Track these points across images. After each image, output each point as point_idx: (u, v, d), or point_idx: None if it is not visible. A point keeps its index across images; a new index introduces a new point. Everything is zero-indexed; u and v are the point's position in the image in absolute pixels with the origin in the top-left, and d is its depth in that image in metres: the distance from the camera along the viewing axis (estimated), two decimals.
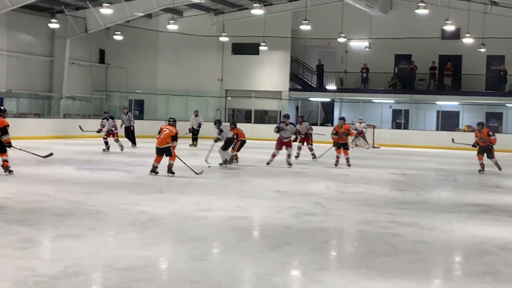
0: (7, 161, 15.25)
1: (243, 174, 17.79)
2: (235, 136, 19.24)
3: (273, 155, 19.94)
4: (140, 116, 40.43)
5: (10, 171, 15.18)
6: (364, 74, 40.36)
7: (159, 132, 16.45)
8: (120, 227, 9.70)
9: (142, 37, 40.57)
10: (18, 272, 6.86)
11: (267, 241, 9.12)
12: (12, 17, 34.11)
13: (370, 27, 38.34)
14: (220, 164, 19.01)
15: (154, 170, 16.24)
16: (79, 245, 8.31)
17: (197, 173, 16.06)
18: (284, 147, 19.92)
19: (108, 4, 31.96)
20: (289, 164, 19.34)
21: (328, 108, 42.26)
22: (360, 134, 32.38)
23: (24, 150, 15.99)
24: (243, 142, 19.67)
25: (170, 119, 17.53)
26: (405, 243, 9.13)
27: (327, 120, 41.06)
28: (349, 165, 20.08)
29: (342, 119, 21.31)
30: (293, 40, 40.79)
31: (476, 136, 20.03)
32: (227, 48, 41.85)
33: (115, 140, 24.19)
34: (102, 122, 24.45)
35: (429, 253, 8.74)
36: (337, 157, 20.32)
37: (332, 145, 20.99)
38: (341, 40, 36.97)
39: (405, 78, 40.02)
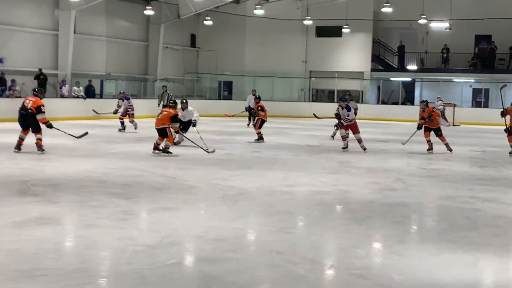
0: (40, 140, 14.75)
1: (327, 151, 17.71)
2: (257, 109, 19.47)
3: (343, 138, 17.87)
4: (229, 97, 40.90)
5: (43, 150, 14.66)
6: (445, 55, 39.67)
7: (159, 114, 16.09)
8: (212, 200, 9.84)
9: (231, 22, 40.75)
10: (118, 241, 7.05)
11: (350, 215, 9.10)
12: (110, 5, 34.73)
13: (451, 9, 37.53)
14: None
15: (156, 147, 15.53)
16: (174, 217, 8.47)
17: (208, 152, 15.69)
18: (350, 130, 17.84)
19: None
20: (364, 149, 17.55)
21: (409, 88, 41.84)
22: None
23: (62, 130, 15.57)
24: (263, 121, 19.54)
25: (170, 102, 17.09)
26: (485, 217, 8.98)
27: (408, 99, 40.63)
28: (450, 150, 17.69)
29: (423, 102, 18.75)
30: (374, 23, 40.34)
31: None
32: (311, 31, 41.70)
33: (130, 121, 22.95)
34: (118, 102, 23.60)
35: (509, 227, 8.59)
36: (428, 141, 17.80)
37: (417, 129, 18.22)
38: (422, 21, 36.33)
39: (485, 58, 39.06)
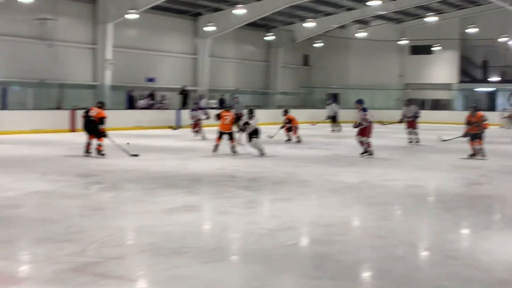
0: (100, 146, 14.06)
1: (419, 151, 17.32)
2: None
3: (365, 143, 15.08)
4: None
5: (103, 155, 13.95)
6: None
7: (219, 117, 15.46)
8: (322, 192, 9.82)
9: (337, 43, 40.51)
10: (246, 225, 7.17)
11: (441, 205, 8.89)
12: (238, 33, 35.27)
13: None
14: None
15: (216, 149, 15.09)
16: (291, 206, 8.52)
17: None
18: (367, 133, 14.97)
19: (311, 19, 33.55)
20: (370, 153, 14.88)
21: (491, 97, 40.47)
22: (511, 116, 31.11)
23: (115, 143, 14.40)
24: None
25: (227, 106, 16.90)
26: None
27: (490, 107, 39.34)
28: (483, 156, 14.75)
29: (472, 107, 15.78)
30: (461, 41, 39.18)
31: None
32: (406, 50, 40.91)
33: (195, 131, 20.89)
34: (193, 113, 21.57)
35: None
36: (473, 149, 14.90)
37: (463, 134, 15.38)
38: (503, 39, 35.07)
39: None
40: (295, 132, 19.73)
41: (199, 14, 32.81)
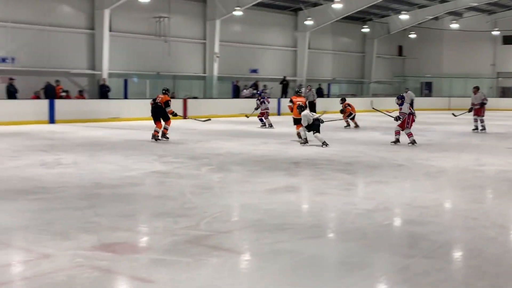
0: (166, 129, 14.46)
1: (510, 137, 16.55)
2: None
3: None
4: (429, 94, 39.62)
5: (167, 138, 14.37)
6: None
7: (292, 103, 14.98)
8: (416, 176, 9.59)
9: (431, 34, 39.23)
10: (344, 206, 7.12)
11: None
12: (335, 26, 34.89)
13: None
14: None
15: (299, 135, 14.30)
16: (386, 189, 8.38)
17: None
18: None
19: (406, 12, 33.02)
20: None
21: None
22: None
23: (185, 117, 16.09)
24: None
25: (299, 91, 15.81)
26: None
27: None
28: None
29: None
30: None
31: None
32: (498, 40, 38.99)
33: (263, 117, 19.51)
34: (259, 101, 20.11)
35: None
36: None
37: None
38: None
39: None
40: (353, 119, 19.48)
41: (299, 9, 32.74)
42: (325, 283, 4.47)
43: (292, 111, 15.08)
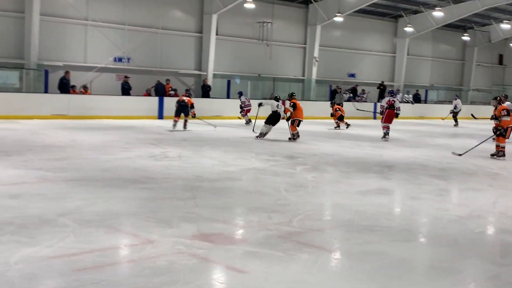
0: (186, 121, 16.78)
1: None
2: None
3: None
4: None
5: (186, 128, 16.55)
6: None
7: (296, 107, 15.07)
8: None
9: None
10: (436, 211, 6.89)
11: None
12: (436, 33, 33.80)
13: None
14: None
15: (298, 136, 15.01)
16: (480, 196, 8.03)
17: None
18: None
19: (508, 21, 31.81)
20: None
21: None
22: None
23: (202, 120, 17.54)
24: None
25: (294, 94, 15.79)
26: None
27: None
28: (499, 154, 12.30)
29: (495, 98, 12.97)
30: None
31: None
32: None
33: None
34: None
35: None
36: (497, 146, 12.36)
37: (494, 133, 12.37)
38: None
39: None
40: (342, 120, 19.79)
41: (400, 16, 32.03)
42: (413, 286, 4.35)
43: (295, 114, 15.06)
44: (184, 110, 16.70)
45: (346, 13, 27.76)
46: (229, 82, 25.88)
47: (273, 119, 14.92)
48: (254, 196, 7.36)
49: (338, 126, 19.87)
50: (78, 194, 6.87)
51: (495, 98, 13.06)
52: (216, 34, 25.89)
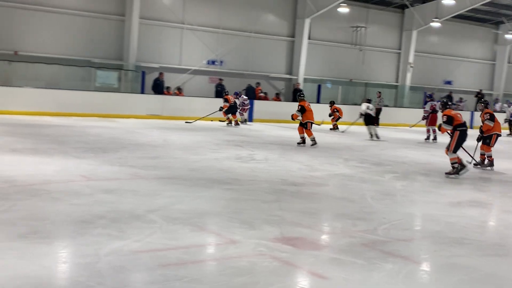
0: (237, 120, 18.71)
1: None
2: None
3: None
4: None
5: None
6: None
7: (305, 109, 13.82)
8: None
9: None
10: None
11: None
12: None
13: None
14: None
15: (315, 141, 13.76)
16: None
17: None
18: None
19: None
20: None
21: None
22: None
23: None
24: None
25: (301, 95, 14.39)
26: None
27: None
28: (482, 164, 11.52)
29: (482, 102, 12.32)
30: None
31: None
32: None
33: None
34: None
35: None
36: (482, 155, 11.61)
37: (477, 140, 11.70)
38: None
39: None
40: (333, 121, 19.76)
41: (500, 22, 30.69)
42: None
43: (304, 115, 13.87)
44: (233, 109, 18.63)
45: (444, 18, 26.93)
46: (319, 86, 25.81)
47: (368, 120, 16.68)
48: (339, 202, 7.30)
49: (337, 127, 19.73)
50: (167, 192, 7.10)
51: (481, 101, 12.47)
52: (308, 38, 25.91)
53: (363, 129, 17.66)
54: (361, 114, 16.97)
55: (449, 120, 9.96)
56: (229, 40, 24.54)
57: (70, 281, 4.07)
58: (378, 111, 23.30)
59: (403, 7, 28.28)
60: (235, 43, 24.68)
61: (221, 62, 24.50)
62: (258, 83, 24.22)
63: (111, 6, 22.12)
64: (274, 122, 21.29)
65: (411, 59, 28.54)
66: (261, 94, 23.40)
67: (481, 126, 11.51)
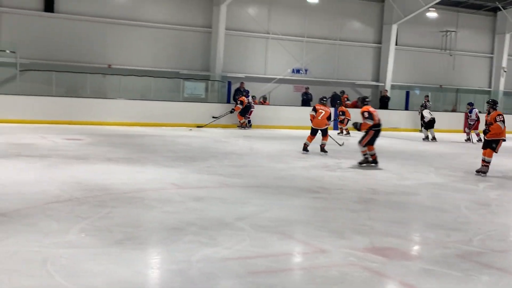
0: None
1: None
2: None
3: None
4: None
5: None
6: None
7: (316, 111, 12.76)
8: None
9: None
10: None
11: None
12: None
13: None
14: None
15: (305, 148, 12.76)
16: None
17: (340, 144, 14.24)
18: None
19: None
20: None
21: None
22: None
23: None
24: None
25: (324, 99, 13.14)
26: None
27: None
28: (481, 171, 10.28)
29: (489, 102, 11.15)
30: None
31: None
32: None
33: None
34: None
35: None
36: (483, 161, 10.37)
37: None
38: None
39: None
40: (345, 124, 19.11)
41: None
42: None
43: (312, 119, 12.86)
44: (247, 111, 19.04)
45: None
46: (407, 93, 25.22)
47: (431, 124, 17.95)
48: (431, 212, 7.08)
49: (348, 132, 18.93)
50: (254, 200, 7.16)
51: (488, 102, 11.25)
52: (396, 44, 25.44)
53: (454, 136, 17.13)
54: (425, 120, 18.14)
55: (370, 116, 10.82)
56: (314, 48, 24.53)
57: (164, 287, 4.19)
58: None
59: (495, 9, 27.19)
60: (320, 51, 24.63)
61: (306, 70, 24.52)
62: (343, 91, 24.01)
63: (198, 19, 22.69)
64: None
65: (504, 63, 27.37)
66: (348, 102, 23.18)
67: (488, 127, 10.36)
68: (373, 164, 10.98)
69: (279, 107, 21.51)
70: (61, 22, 20.58)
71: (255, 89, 22.57)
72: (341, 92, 23.87)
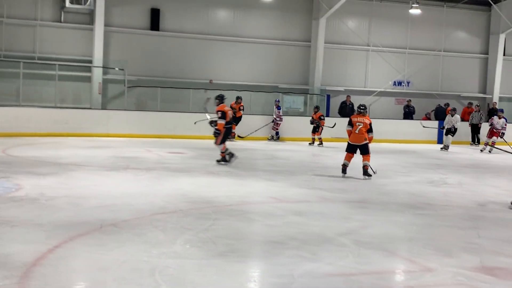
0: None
1: None
2: None
3: None
4: None
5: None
6: None
7: (352, 126, 10.46)
8: None
9: None
10: None
11: None
12: None
13: None
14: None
15: (344, 170, 10.47)
16: None
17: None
18: None
19: None
20: None
21: None
22: None
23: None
24: None
25: (361, 108, 10.61)
26: None
27: None
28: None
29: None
30: None
31: None
32: None
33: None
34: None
35: None
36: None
37: None
38: None
39: None
40: (319, 133, 17.68)
41: None
42: None
43: (349, 135, 10.67)
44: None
45: None
46: None
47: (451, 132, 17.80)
48: None
49: (320, 142, 17.52)
50: (356, 216, 7.07)
51: None
52: (503, 55, 24.33)
53: None
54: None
55: (223, 115, 11.39)
56: (416, 59, 23.96)
57: None
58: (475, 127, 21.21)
59: None
60: (422, 62, 24.02)
61: (408, 82, 23.97)
62: (447, 104, 23.20)
63: (298, 33, 22.83)
64: (466, 144, 20.21)
65: None
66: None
67: None
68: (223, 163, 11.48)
69: (380, 121, 21.09)
70: (165, 39, 21.41)
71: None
72: (445, 105, 23.08)
